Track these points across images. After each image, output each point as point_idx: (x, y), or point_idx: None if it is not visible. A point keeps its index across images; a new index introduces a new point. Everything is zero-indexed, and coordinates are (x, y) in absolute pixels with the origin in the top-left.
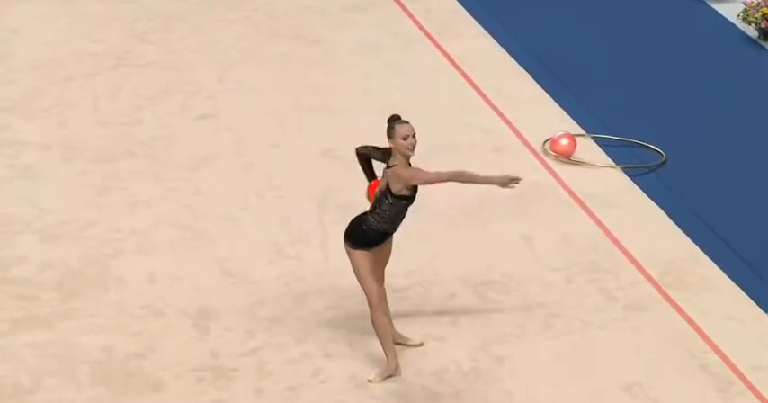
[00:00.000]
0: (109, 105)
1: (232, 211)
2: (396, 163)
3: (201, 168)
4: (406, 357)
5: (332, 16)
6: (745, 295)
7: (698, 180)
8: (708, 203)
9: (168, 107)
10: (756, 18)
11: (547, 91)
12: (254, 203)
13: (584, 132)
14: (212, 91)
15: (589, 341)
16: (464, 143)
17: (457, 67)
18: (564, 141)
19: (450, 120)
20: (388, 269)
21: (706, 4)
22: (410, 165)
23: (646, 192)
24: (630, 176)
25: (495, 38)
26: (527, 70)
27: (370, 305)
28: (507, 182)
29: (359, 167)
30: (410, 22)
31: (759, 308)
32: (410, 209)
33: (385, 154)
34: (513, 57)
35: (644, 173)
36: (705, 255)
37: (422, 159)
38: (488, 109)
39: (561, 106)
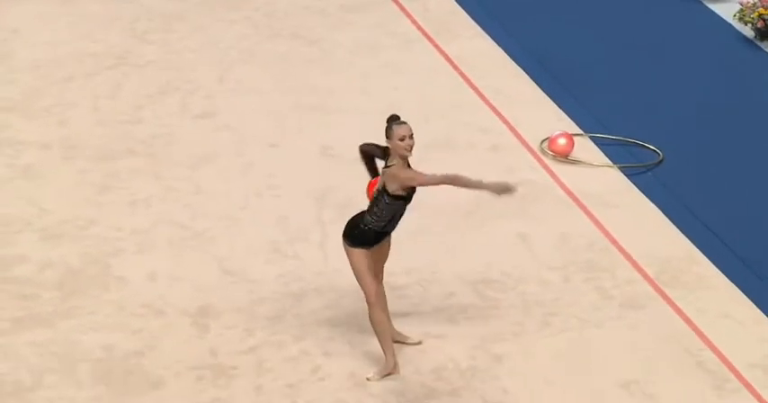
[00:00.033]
0: (109, 105)
1: (231, 210)
2: (393, 163)
3: (201, 167)
4: (405, 355)
5: (331, 16)
6: (741, 293)
7: (695, 179)
8: (704, 202)
9: (168, 106)
10: (753, 18)
11: (544, 90)
12: (253, 202)
13: (581, 132)
14: (212, 90)
15: (586, 339)
16: (462, 142)
17: (455, 66)
18: (561, 141)
19: (448, 120)
20: (387, 267)
21: (702, 4)
22: (409, 165)
23: (643, 192)
24: (627, 175)
25: (492, 38)
26: (525, 70)
27: (369, 303)
28: (501, 191)
29: (357, 167)
30: (408, 21)
31: (755, 307)
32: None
33: (385, 152)
34: (510, 56)
35: (641, 172)
36: (701, 254)
37: (420, 158)
38: (486, 108)
39: (559, 106)
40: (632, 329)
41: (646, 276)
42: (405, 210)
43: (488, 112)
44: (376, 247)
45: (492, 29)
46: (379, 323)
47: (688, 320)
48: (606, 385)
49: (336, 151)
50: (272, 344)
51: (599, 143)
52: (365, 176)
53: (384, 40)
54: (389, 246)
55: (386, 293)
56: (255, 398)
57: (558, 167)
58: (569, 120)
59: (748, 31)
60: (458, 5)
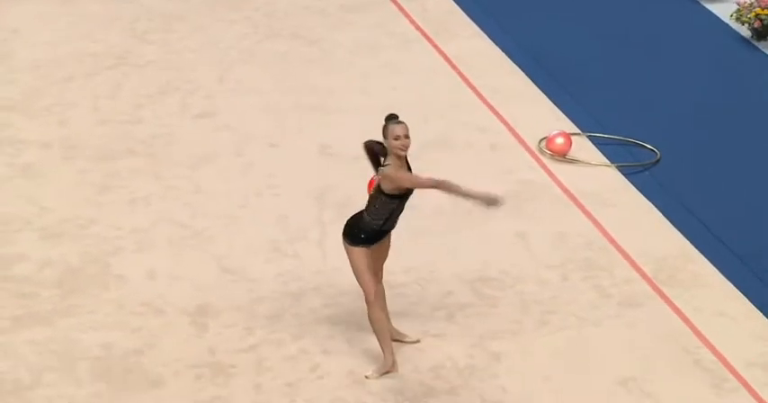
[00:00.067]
0: (109, 104)
1: (231, 210)
2: (389, 162)
3: (201, 167)
4: (403, 353)
5: (330, 16)
6: (737, 291)
7: (692, 178)
8: (701, 201)
9: (168, 106)
10: (749, 18)
11: (542, 90)
12: (252, 202)
13: (579, 131)
14: (212, 90)
15: (584, 337)
16: (460, 142)
17: (453, 66)
18: (559, 140)
19: (446, 120)
20: (386, 266)
21: (699, 4)
22: (408, 164)
23: (640, 191)
24: (625, 175)
25: (491, 37)
26: (523, 69)
27: (368, 302)
28: (489, 202)
29: (357, 166)
30: (407, 21)
31: (752, 305)
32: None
33: (385, 151)
34: (508, 56)
35: (638, 171)
36: (698, 252)
37: (419, 157)
38: (484, 108)
39: (557, 105)
40: (630, 328)
41: (643, 275)
42: (402, 208)
43: (486, 112)
44: (376, 246)
45: (490, 28)
46: (378, 321)
47: (685, 318)
48: (604, 383)
49: (336, 151)
50: (271, 343)
51: (596, 142)
52: (364, 176)
53: (383, 40)
54: (389, 244)
55: (385, 292)
56: (255, 397)
57: (555, 166)
58: (567, 119)
59: (745, 31)
60: (456, 5)
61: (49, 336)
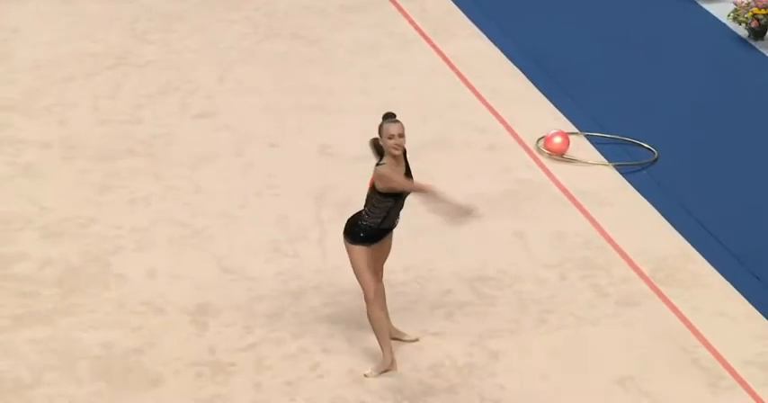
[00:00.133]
0: (109, 104)
1: (231, 209)
2: (384, 162)
3: (201, 167)
4: (402, 352)
5: (330, 16)
6: (736, 291)
7: (689, 177)
8: (699, 200)
9: (168, 106)
10: (746, 18)
11: (540, 90)
12: (252, 201)
13: (577, 130)
14: (212, 90)
15: (582, 336)
16: (459, 142)
17: (452, 66)
18: (557, 139)
19: (445, 120)
20: (386, 265)
21: (696, 3)
22: (407, 164)
23: (638, 190)
24: (623, 174)
25: (489, 38)
26: (521, 70)
27: (367, 300)
28: (460, 214)
29: (356, 166)
30: (406, 22)
31: (750, 305)
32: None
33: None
34: (506, 56)
35: (636, 170)
36: (696, 252)
37: (417, 157)
38: (483, 108)
39: (555, 105)
40: (628, 327)
41: (641, 274)
42: (400, 207)
43: (485, 112)
44: (377, 245)
45: (488, 28)
46: (377, 320)
47: (683, 318)
48: (602, 382)
49: (335, 150)
50: (270, 342)
51: (594, 142)
52: (364, 176)
53: (383, 40)
54: (391, 243)
55: (385, 290)
56: (254, 395)
57: (553, 166)
58: (565, 119)
59: (742, 31)
60: (454, 5)
61: (49, 335)
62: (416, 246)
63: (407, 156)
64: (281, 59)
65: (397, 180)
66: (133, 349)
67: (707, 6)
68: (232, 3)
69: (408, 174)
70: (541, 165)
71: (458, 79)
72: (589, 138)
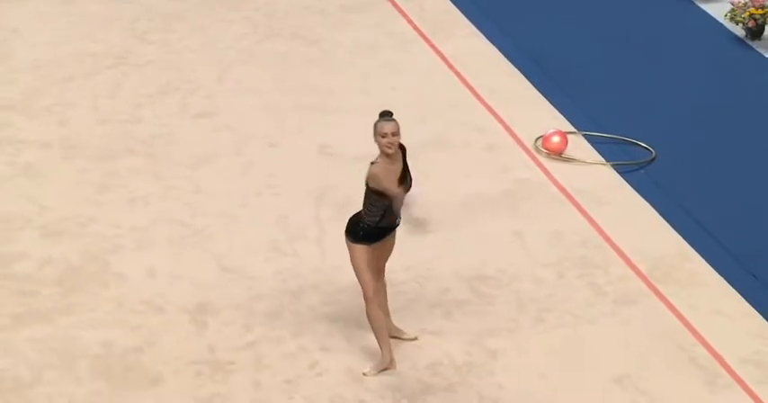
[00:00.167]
0: (109, 104)
1: (231, 209)
2: (377, 161)
3: (201, 166)
4: (401, 351)
5: (330, 16)
6: (733, 290)
7: (687, 176)
8: (696, 199)
9: (168, 106)
10: (744, 18)
11: (539, 89)
12: (252, 201)
13: (575, 130)
14: (212, 90)
15: (580, 335)
16: (458, 142)
17: (451, 66)
18: (555, 139)
19: (444, 120)
20: (386, 264)
21: (694, 3)
22: (406, 164)
23: (635, 189)
24: (620, 173)
25: (487, 37)
26: (519, 69)
27: (366, 298)
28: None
29: (356, 166)
30: (404, 21)
31: (747, 303)
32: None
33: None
34: (505, 56)
35: (634, 169)
36: (694, 251)
37: (416, 157)
38: (481, 108)
39: (553, 104)
40: (625, 325)
41: (639, 273)
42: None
43: (484, 112)
44: (378, 244)
45: (486, 28)
46: (376, 319)
47: (680, 316)
48: (599, 380)
49: (335, 150)
50: (270, 340)
51: (592, 141)
52: (364, 175)
53: (382, 40)
54: (393, 242)
55: (386, 289)
56: (254, 394)
57: (551, 165)
58: (563, 118)
59: (739, 31)
60: (452, 5)
61: (49, 334)
62: (415, 245)
63: (407, 155)
64: (280, 59)
65: (383, 183)
66: (133, 348)
67: (704, 6)
68: (232, 3)
69: (406, 173)
70: (540, 165)
71: (456, 79)
72: (587, 137)
